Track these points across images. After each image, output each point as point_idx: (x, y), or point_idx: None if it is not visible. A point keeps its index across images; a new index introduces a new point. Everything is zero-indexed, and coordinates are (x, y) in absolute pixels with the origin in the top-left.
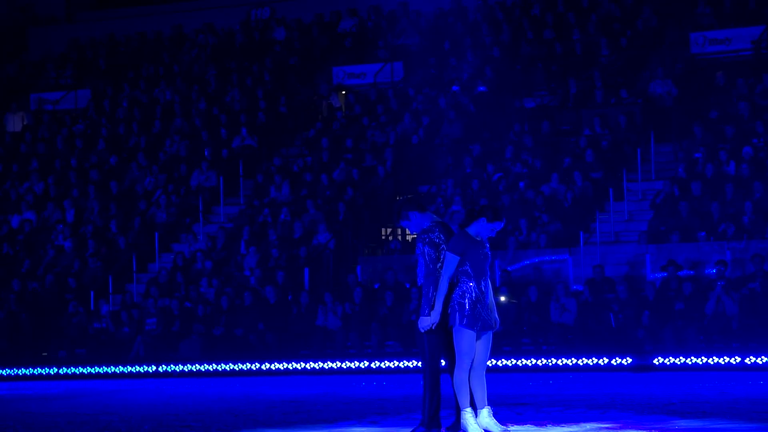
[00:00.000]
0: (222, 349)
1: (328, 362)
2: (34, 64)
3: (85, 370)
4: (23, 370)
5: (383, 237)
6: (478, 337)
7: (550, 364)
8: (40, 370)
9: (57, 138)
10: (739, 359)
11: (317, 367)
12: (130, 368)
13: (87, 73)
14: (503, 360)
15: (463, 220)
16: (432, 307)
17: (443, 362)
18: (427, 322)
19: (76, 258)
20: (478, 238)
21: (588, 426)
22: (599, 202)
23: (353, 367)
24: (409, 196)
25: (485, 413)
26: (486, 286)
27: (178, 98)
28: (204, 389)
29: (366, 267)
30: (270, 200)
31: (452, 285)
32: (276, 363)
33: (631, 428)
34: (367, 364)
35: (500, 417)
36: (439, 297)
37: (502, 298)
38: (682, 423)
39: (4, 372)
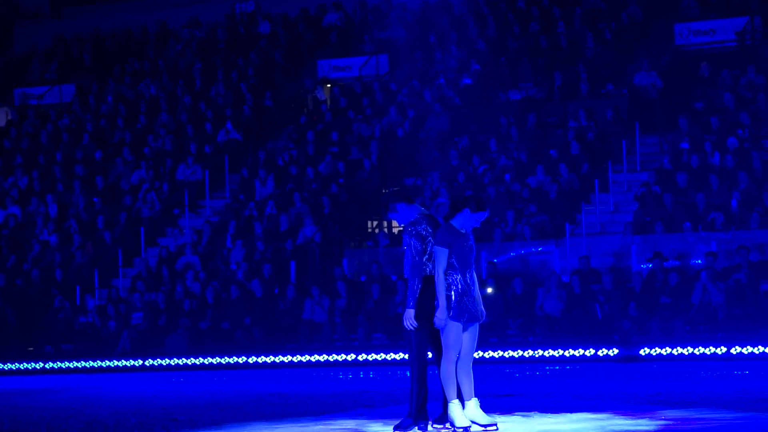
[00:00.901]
0: (208, 342)
1: (315, 355)
2: (19, 60)
3: (71, 365)
4: (9, 365)
5: (369, 230)
6: (464, 329)
7: (537, 355)
8: (26, 365)
9: (41, 133)
10: (724, 349)
11: (304, 360)
12: (116, 363)
13: (72, 68)
14: (490, 351)
15: (447, 212)
16: (439, 306)
17: (430, 354)
18: (412, 314)
19: (61, 253)
20: (462, 231)
21: (574, 416)
22: (585, 193)
23: (340, 359)
24: (395, 189)
25: (472, 405)
26: (471, 278)
27: (163, 93)
28: (190, 383)
29: (352, 260)
30: (256, 194)
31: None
32: (263, 356)
33: (618, 418)
34: (354, 356)
35: (487, 408)
36: (440, 293)
37: (489, 290)
38: (669, 413)
39: None
